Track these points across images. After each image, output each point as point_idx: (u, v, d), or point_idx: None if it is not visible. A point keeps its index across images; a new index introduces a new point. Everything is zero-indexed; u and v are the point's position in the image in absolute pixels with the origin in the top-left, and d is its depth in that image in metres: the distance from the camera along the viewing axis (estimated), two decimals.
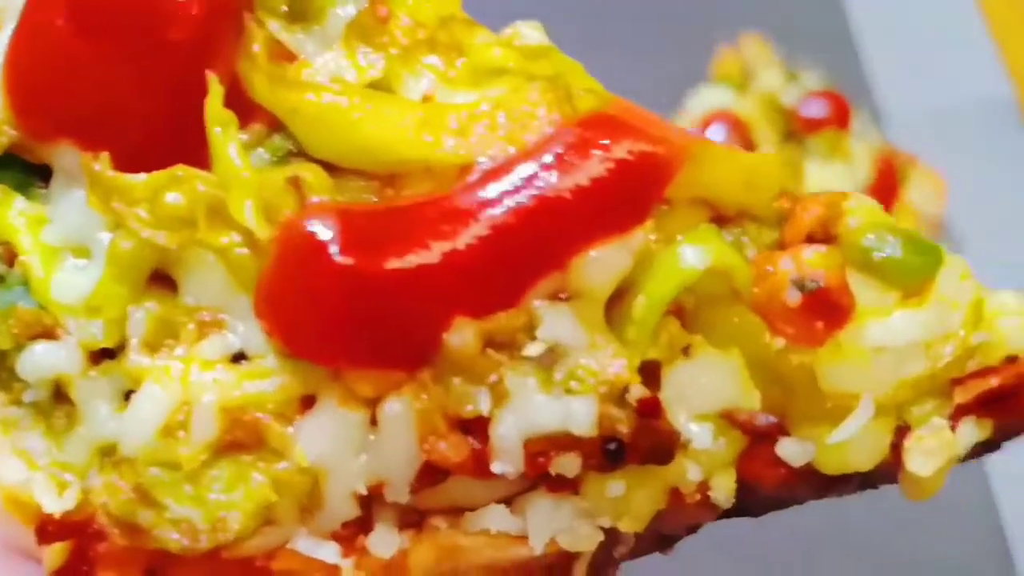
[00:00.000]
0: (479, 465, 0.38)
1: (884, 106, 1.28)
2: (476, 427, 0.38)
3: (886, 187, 1.16)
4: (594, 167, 0.38)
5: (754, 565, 1.00)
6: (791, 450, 0.40)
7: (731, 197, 0.40)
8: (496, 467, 0.38)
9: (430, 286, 0.38)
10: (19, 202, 0.43)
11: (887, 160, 1.17)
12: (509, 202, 0.38)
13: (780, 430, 0.39)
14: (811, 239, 0.40)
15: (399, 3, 0.43)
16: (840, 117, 1.18)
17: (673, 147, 0.39)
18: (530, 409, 0.38)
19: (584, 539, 0.40)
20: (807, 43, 1.24)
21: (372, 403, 0.38)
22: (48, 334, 0.41)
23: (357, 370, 0.38)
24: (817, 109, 1.18)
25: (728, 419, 0.39)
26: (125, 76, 0.41)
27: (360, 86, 0.42)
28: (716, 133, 1.16)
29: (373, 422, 0.39)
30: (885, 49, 1.33)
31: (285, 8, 0.43)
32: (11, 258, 0.43)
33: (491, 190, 0.38)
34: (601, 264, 0.38)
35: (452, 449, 0.38)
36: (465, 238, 0.38)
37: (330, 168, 0.41)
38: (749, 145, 1.15)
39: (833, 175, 1.15)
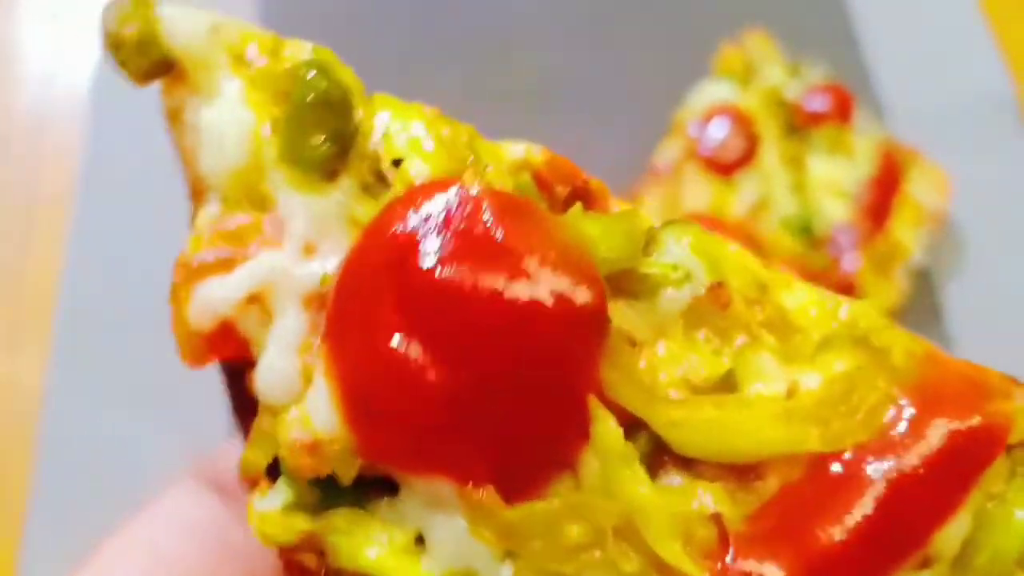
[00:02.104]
0: None
1: (887, 101, 1.28)
2: None
3: (889, 182, 1.16)
4: (939, 448, 0.41)
5: None
6: None
7: None
8: None
9: None
10: (382, 534, 0.41)
11: (890, 154, 1.17)
12: (875, 493, 0.41)
13: None
14: None
15: (733, 286, 0.43)
16: (842, 111, 1.18)
17: (1005, 418, 0.42)
18: None
19: None
20: (810, 38, 1.24)
21: None
22: None
23: None
24: (820, 103, 1.19)
25: None
26: (486, 400, 0.39)
27: (715, 381, 0.42)
28: (719, 127, 1.16)
29: None
30: (887, 44, 1.33)
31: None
32: None
33: (852, 481, 0.41)
34: (952, 532, 0.41)
35: None
36: (844, 532, 0.40)
37: (686, 461, 0.42)
38: (752, 139, 1.15)
39: (836, 169, 1.15)
